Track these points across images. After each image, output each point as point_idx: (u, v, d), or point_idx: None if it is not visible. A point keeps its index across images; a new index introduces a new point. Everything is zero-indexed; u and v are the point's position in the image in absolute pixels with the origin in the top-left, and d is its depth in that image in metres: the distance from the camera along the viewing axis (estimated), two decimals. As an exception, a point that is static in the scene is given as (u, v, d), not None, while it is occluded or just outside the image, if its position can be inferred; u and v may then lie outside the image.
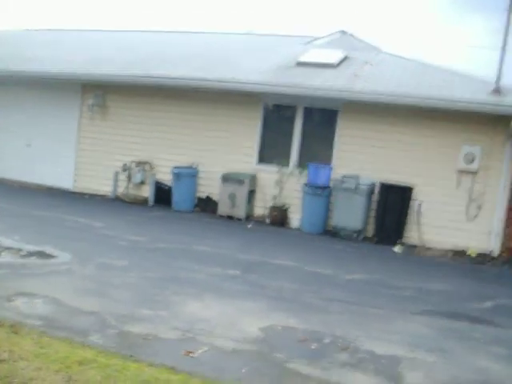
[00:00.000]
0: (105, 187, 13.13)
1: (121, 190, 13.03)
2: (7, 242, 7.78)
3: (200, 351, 4.64)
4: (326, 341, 5.17)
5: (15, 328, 4.67)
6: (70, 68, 13.24)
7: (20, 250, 7.49)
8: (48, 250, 7.64)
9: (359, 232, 10.66)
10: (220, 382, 4.05)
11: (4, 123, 14.62)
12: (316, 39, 14.83)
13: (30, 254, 7.34)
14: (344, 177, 10.64)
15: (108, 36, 17.79)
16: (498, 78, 10.74)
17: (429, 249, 10.49)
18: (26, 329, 4.71)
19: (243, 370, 4.35)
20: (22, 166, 14.11)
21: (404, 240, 10.63)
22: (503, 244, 10.48)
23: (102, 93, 13.11)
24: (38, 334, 4.61)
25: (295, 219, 11.39)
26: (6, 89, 14.56)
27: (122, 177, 12.97)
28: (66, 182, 13.63)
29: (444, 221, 10.56)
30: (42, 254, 7.41)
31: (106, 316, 5.29)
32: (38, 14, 43.63)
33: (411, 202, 10.65)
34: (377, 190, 10.72)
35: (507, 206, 10.42)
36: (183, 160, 12.30)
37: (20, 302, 5.45)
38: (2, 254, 7.25)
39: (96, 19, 37.67)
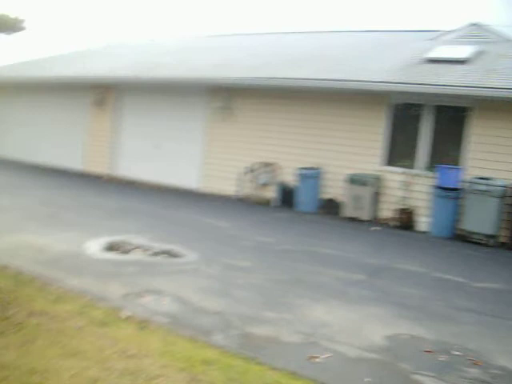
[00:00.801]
0: (230, 188, 13.40)
1: (245, 191, 13.23)
2: (138, 241, 8.14)
3: (323, 357, 4.56)
4: (456, 353, 4.88)
5: (143, 324, 4.84)
6: (198, 72, 13.68)
7: (149, 248, 7.81)
8: (175, 249, 7.89)
9: (492, 237, 10.03)
10: (343, 391, 3.94)
11: (134, 127, 15.42)
12: (445, 34, 14.17)
13: (159, 253, 7.62)
14: (476, 178, 10.07)
15: (233, 41, 18.22)
16: None
17: None
18: (153, 326, 4.87)
19: (367, 379, 4.21)
20: (151, 168, 14.79)
21: (543, 247, 9.88)
22: None
23: (228, 95, 13.40)
24: (164, 332, 4.75)
25: (422, 222, 10.96)
26: (136, 94, 15.36)
27: (247, 178, 13.16)
28: (192, 183, 14.08)
29: None
30: (169, 253, 7.67)
31: (230, 316, 5.35)
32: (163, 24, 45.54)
33: (550, 206, 9.89)
34: (511, 193, 10.04)
35: None
36: (307, 161, 12.27)
37: (148, 299, 5.66)
38: (133, 251, 7.58)
39: (220, 25, 38.74)
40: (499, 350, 5.07)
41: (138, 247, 7.78)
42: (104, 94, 15.83)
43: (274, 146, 12.91)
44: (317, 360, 4.48)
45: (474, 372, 4.54)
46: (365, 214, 11.23)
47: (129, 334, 4.60)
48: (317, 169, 12.11)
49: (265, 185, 12.92)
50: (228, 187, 13.44)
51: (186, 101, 14.39)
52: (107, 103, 15.94)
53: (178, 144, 14.42)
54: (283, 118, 12.83)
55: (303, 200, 12.07)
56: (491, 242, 10.01)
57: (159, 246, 7.98)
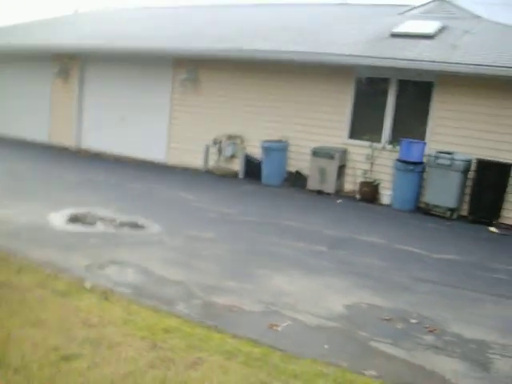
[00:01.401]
0: (196, 160, 13.38)
1: (212, 164, 13.23)
2: (102, 213, 8.12)
3: (283, 325, 4.65)
4: (412, 321, 5.04)
5: (106, 295, 4.87)
6: (162, 43, 13.52)
7: (114, 219, 7.80)
8: (140, 220, 7.90)
9: (453, 210, 10.26)
10: (301, 358, 4.03)
11: (99, 98, 15.22)
12: (412, 9, 14.25)
13: (123, 224, 7.63)
14: (438, 153, 10.24)
15: (197, 11, 18.00)
16: None
17: (528, 230, 9.96)
18: (116, 296, 4.90)
19: (326, 347, 4.32)
20: (117, 140, 14.65)
21: (502, 220, 10.14)
22: None
23: (193, 67, 13.31)
24: (126, 302, 4.79)
25: (386, 195, 11.13)
26: (101, 65, 15.14)
27: (213, 150, 13.15)
28: (158, 155, 14.01)
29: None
30: (134, 225, 7.68)
31: (193, 286, 5.41)
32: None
33: (510, 180, 10.12)
34: (473, 167, 10.25)
35: None
36: (273, 134, 12.30)
37: (111, 270, 5.68)
38: (97, 223, 7.57)
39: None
40: (454, 317, 5.24)
41: (102, 219, 7.77)
42: (68, 64, 15.56)
43: (241, 119, 12.91)
44: (277, 328, 4.57)
45: (429, 339, 4.69)
46: (329, 187, 11.34)
47: (91, 304, 4.62)
48: (282, 141, 12.16)
49: (231, 157, 12.93)
50: (194, 160, 13.41)
51: (152, 72, 14.23)
52: (72, 74, 15.67)
53: (144, 116, 14.29)
54: (249, 90, 12.81)
55: (269, 173, 12.13)
56: (452, 215, 10.23)
57: (124, 217, 7.97)
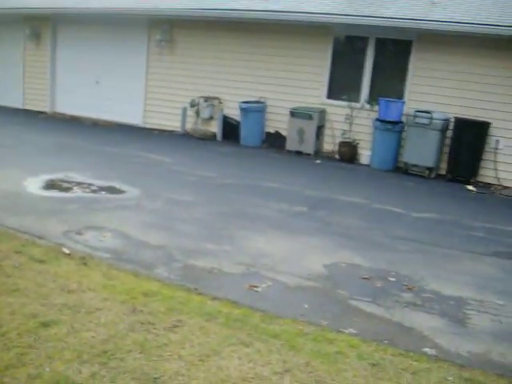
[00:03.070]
0: (174, 123, 13.22)
1: (189, 126, 13.10)
2: (79, 178, 8.02)
3: (263, 286, 4.67)
4: (391, 279, 5.09)
5: (84, 260, 4.83)
6: (136, 3, 13.18)
7: (91, 185, 7.71)
8: (118, 185, 7.83)
9: (431, 169, 10.32)
10: (281, 318, 4.06)
11: (73, 61, 14.89)
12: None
13: (101, 189, 7.55)
14: (417, 112, 10.22)
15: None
16: None
17: (505, 188, 10.06)
18: (95, 261, 4.87)
19: (306, 306, 4.35)
20: (93, 103, 14.40)
21: (479, 178, 10.23)
22: None
23: (168, 28, 13.04)
24: (106, 267, 4.76)
25: (365, 155, 11.14)
26: (74, 27, 14.76)
27: (191, 112, 12.99)
28: (135, 119, 13.83)
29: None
30: (111, 189, 7.60)
31: (172, 250, 5.39)
32: None
33: (488, 139, 10.16)
34: (451, 126, 10.27)
35: None
36: (251, 95, 12.17)
37: (90, 236, 5.62)
38: (74, 189, 7.48)
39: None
40: (432, 275, 5.30)
41: (79, 184, 7.67)
42: (40, 27, 15.15)
43: (218, 80, 12.73)
44: (257, 289, 4.59)
45: (407, 296, 4.74)
46: (308, 148, 11.32)
47: (69, 270, 4.58)
48: (261, 102, 12.05)
49: (209, 119, 12.80)
50: (172, 122, 13.26)
51: (127, 33, 13.92)
52: (44, 37, 15.27)
53: (119, 79, 14.04)
54: (227, 50, 12.61)
55: (247, 134, 12.06)
56: (431, 174, 10.30)
57: (101, 182, 7.88)
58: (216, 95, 12.73)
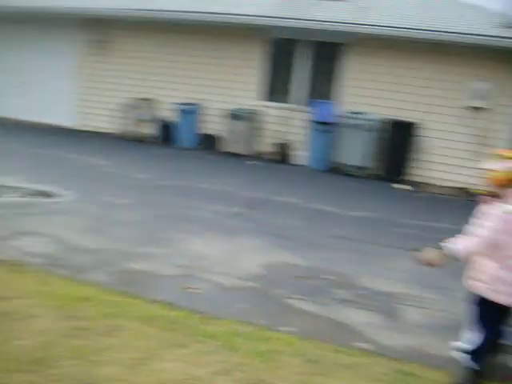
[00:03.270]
0: (107, 125, 13.00)
1: (124, 128, 12.92)
2: (12, 182, 7.78)
3: (201, 288, 4.68)
4: (327, 277, 5.21)
5: (17, 267, 4.72)
6: (66, 2, 12.88)
7: (25, 189, 7.50)
8: (52, 188, 7.65)
9: (364, 169, 10.58)
10: (219, 318, 4.09)
11: (2, 61, 14.42)
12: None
13: (35, 194, 7.36)
14: (349, 113, 10.47)
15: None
16: (509, 10, 10.39)
17: (433, 186, 10.43)
18: (29, 267, 4.76)
19: (243, 306, 4.40)
20: (22, 105, 13.96)
21: (409, 177, 10.56)
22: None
23: (101, 28, 12.82)
24: (39, 272, 4.66)
25: (299, 156, 11.31)
26: (2, 26, 14.29)
27: (125, 114, 12.83)
28: (67, 120, 13.50)
29: (449, 158, 10.43)
30: (46, 193, 7.43)
31: (109, 254, 5.33)
32: None
33: (416, 139, 10.51)
34: (382, 127, 10.57)
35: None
36: (188, 96, 12.13)
37: (23, 241, 5.48)
38: (7, 193, 7.26)
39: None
40: (366, 272, 5.46)
41: (10, 188, 7.45)
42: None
43: (154, 82, 12.61)
44: (194, 291, 4.60)
45: (341, 293, 4.87)
46: (244, 149, 11.39)
47: (1, 276, 4.47)
48: (196, 104, 12.04)
49: (144, 121, 12.66)
50: (106, 124, 13.03)
51: (56, 32, 13.53)
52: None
53: (49, 80, 13.64)
54: (162, 52, 12.51)
55: (183, 136, 12.01)
56: (363, 173, 10.55)
57: (33, 186, 7.67)
58: (152, 97, 12.62)
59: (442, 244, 3.29)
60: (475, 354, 3.38)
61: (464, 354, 3.45)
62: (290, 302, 4.60)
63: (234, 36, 11.76)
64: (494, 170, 3.27)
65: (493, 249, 3.22)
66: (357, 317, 4.41)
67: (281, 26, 10.99)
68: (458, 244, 3.29)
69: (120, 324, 3.78)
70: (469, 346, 3.43)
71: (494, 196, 3.29)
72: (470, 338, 3.43)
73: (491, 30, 9.99)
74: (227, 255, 5.61)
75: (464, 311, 3.63)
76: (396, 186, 10.13)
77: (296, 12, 11.10)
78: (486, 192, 3.34)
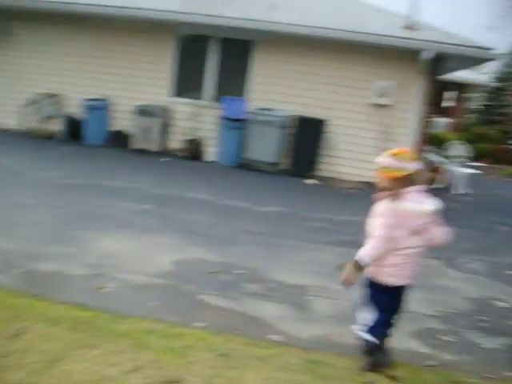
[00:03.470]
0: (10, 121, 12.43)
1: (28, 125, 12.43)
2: None
3: (111, 287, 4.61)
4: (237, 272, 5.26)
5: None
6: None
7: None
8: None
9: (274, 165, 10.75)
10: (130, 317, 4.04)
11: None
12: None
13: None
14: (259, 109, 10.60)
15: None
16: (411, 12, 10.87)
17: (342, 181, 10.76)
18: None
19: (154, 304, 4.37)
20: None
21: (318, 172, 10.84)
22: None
23: (3, 19, 12.27)
24: None
25: (211, 152, 11.34)
26: None
27: (30, 110, 12.34)
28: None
29: (356, 153, 10.80)
30: None
31: (13, 255, 5.12)
32: None
33: (325, 135, 10.80)
34: (292, 123, 10.77)
35: (417, 140, 10.76)
36: (96, 92, 11.83)
37: None
38: None
39: None
40: (275, 266, 5.56)
41: None
42: None
43: (61, 77, 12.21)
44: (104, 290, 4.52)
45: (253, 287, 4.93)
46: (154, 146, 11.28)
47: None
48: (105, 100, 11.78)
49: (50, 117, 12.24)
50: (8, 120, 12.46)
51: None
52: None
53: None
54: (69, 46, 12.11)
55: (91, 133, 11.72)
56: (274, 169, 10.72)
57: None
58: (58, 92, 12.21)
59: (356, 259, 3.41)
60: (371, 330, 3.61)
61: (361, 332, 3.68)
62: (202, 297, 4.61)
63: (144, 31, 11.60)
64: (384, 167, 3.46)
65: (389, 242, 3.40)
66: (268, 310, 4.49)
67: (189, 22, 10.94)
68: (364, 255, 3.42)
69: (26, 327, 3.65)
70: (365, 324, 3.66)
71: (386, 191, 3.46)
72: (366, 317, 3.66)
73: (395, 31, 10.43)
74: (138, 253, 5.55)
75: (359, 294, 3.80)
76: (306, 181, 10.36)
77: (204, 8, 11.09)
78: (378, 187, 3.52)
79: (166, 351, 3.54)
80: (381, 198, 3.49)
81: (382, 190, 3.48)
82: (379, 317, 3.58)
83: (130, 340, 3.63)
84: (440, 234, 3.51)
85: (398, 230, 3.38)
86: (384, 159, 3.48)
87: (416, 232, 3.42)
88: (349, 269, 3.46)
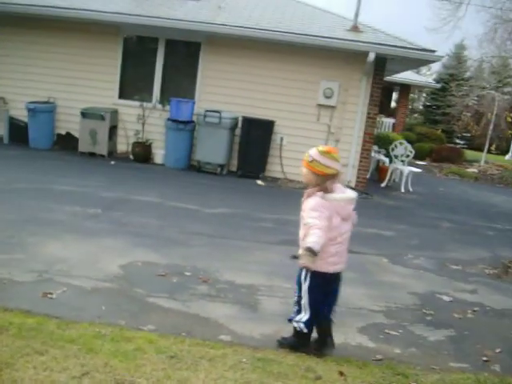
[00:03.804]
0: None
1: (-30, 128, 12.11)
2: None
3: (58, 292, 4.54)
4: (187, 274, 5.27)
5: None
6: None
7: None
8: None
9: (223, 166, 10.78)
10: (78, 322, 4.00)
11: None
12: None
13: None
14: (207, 111, 10.61)
15: None
16: (356, 15, 11.10)
17: (290, 181, 10.88)
18: None
19: (103, 308, 4.33)
20: None
21: (267, 173, 10.93)
22: (359, 175, 11.13)
23: None
24: None
25: (159, 155, 11.28)
26: None
27: (-29, 113, 12.02)
28: None
29: (303, 154, 10.87)
30: None
31: (-45, 262, 5.00)
32: None
33: (273, 136, 10.90)
34: (240, 125, 10.83)
35: (363, 140, 10.99)
36: (41, 95, 11.61)
37: None
38: None
39: None
40: (226, 266, 5.59)
41: None
42: None
43: (4, 79, 11.91)
44: (52, 296, 4.45)
45: (203, 289, 4.95)
46: (101, 149, 11.15)
47: None
48: (50, 102, 11.58)
49: (-7, 121, 11.95)
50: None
51: None
52: None
53: None
54: (13, 47, 11.81)
55: (36, 136, 11.49)
56: (222, 171, 10.76)
57: None
58: (2, 95, 11.91)
59: (309, 246, 3.51)
60: (306, 322, 3.86)
61: (295, 323, 3.92)
62: (151, 300, 4.60)
63: (89, 32, 11.46)
64: (315, 160, 3.76)
65: (328, 232, 3.64)
66: (218, 310, 4.51)
67: (136, 24, 10.87)
68: (314, 243, 3.52)
69: (-31, 335, 3.57)
70: (299, 315, 3.91)
71: (315, 187, 3.74)
72: (300, 308, 3.92)
73: (340, 33, 10.62)
74: (85, 257, 5.48)
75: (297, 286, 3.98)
76: (255, 181, 10.43)
77: (151, 10, 11.04)
78: (306, 182, 3.87)
79: (116, 355, 3.52)
80: (311, 193, 3.72)
81: (308, 184, 3.80)
82: (313, 308, 3.84)
83: (79, 345, 3.60)
84: (355, 216, 3.84)
85: (333, 220, 3.65)
86: (315, 153, 3.79)
87: (346, 218, 3.75)
88: (305, 255, 3.55)
